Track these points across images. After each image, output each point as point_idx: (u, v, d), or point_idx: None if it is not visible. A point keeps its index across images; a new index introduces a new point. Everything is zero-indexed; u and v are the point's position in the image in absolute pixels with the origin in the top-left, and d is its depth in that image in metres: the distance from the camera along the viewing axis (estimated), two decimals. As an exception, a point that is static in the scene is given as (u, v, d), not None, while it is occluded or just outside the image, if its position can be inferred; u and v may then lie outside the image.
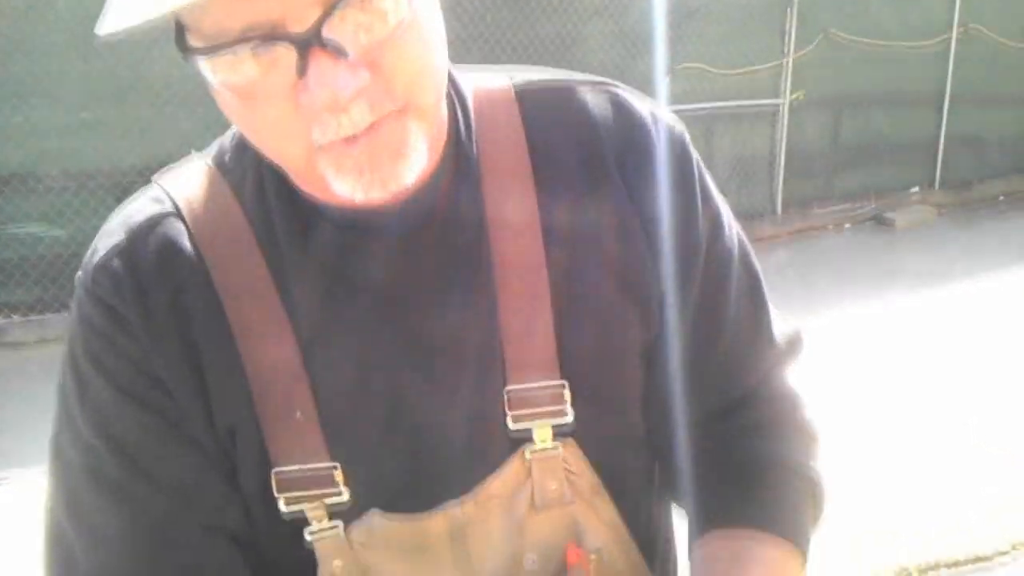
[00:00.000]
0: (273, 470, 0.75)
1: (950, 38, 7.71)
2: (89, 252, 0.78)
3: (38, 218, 5.25)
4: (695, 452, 0.87)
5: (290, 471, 0.75)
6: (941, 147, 7.91)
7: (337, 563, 0.78)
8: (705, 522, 0.84)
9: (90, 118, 5.13)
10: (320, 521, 0.77)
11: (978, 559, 3.05)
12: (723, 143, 6.71)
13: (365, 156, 0.64)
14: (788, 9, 6.86)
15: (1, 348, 4.98)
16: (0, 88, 4.95)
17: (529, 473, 0.79)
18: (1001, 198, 8.05)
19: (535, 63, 0.81)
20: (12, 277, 5.16)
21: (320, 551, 0.78)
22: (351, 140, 0.63)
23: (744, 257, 0.87)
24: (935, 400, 4.13)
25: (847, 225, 7.35)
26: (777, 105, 7.04)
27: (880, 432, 3.74)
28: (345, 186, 0.66)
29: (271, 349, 0.74)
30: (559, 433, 0.79)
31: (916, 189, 7.87)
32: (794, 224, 7.06)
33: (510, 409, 0.77)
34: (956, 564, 3.03)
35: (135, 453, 0.75)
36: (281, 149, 0.67)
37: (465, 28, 5.72)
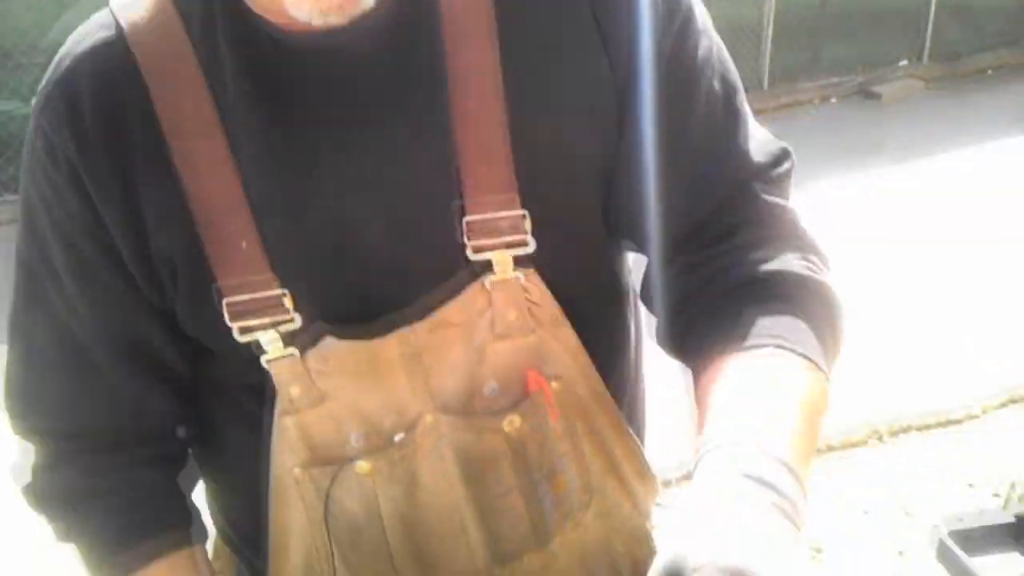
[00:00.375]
0: (224, 300, 0.76)
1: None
2: (47, 76, 0.78)
3: (9, 95, 5.14)
4: (679, 277, 0.81)
5: (240, 300, 0.76)
6: (931, 18, 7.77)
7: (295, 390, 0.79)
8: (703, 354, 0.74)
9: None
10: (275, 348, 0.77)
11: (949, 422, 3.14)
12: (710, 13, 6.56)
13: None
14: None
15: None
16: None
17: (489, 302, 0.79)
18: (990, 72, 7.95)
19: None
20: (-9, 156, 5.09)
21: (277, 379, 0.79)
22: None
23: (719, 66, 0.82)
24: (918, 270, 4.18)
25: (833, 99, 7.28)
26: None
27: (860, 301, 3.79)
28: (301, 12, 0.67)
29: (214, 180, 0.74)
30: (520, 262, 0.78)
31: (904, 62, 7.76)
32: (780, 98, 6.98)
33: (469, 238, 0.76)
34: (927, 427, 3.12)
35: (74, 293, 0.79)
36: None
37: None
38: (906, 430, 3.10)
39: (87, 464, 0.86)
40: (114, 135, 0.74)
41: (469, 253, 0.77)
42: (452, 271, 0.78)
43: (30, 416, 0.85)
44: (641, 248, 0.84)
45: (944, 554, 1.73)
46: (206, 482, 0.97)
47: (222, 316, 0.76)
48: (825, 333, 0.75)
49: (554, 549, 0.90)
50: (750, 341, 0.71)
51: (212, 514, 0.99)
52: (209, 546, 0.96)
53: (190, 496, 0.94)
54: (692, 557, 0.54)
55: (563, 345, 0.84)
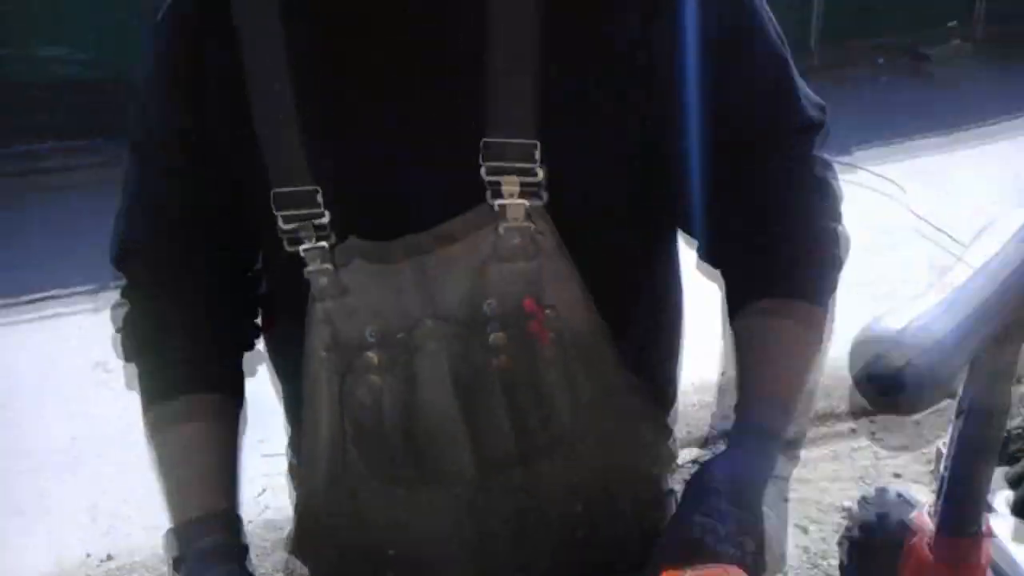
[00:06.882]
0: (272, 190, 0.89)
1: None
2: None
3: (62, 42, 5.22)
4: (722, 220, 0.93)
5: (284, 191, 0.89)
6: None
7: (323, 280, 0.91)
8: (742, 293, 0.94)
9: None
10: (310, 240, 0.89)
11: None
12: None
13: None
14: None
15: (32, 175, 5.06)
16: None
17: (495, 223, 0.87)
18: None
19: None
20: (39, 102, 5.19)
21: (310, 268, 0.90)
22: None
23: (773, 36, 0.93)
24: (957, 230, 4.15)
25: (881, 60, 7.18)
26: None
27: (893, 260, 3.80)
28: None
29: (272, 87, 0.88)
30: (529, 190, 0.86)
31: (954, 23, 7.62)
32: (830, 67, 6.90)
33: (483, 160, 0.84)
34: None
35: (174, 157, 0.95)
36: None
37: None
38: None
39: (167, 302, 1.00)
40: (206, 46, 0.90)
41: (482, 173, 0.85)
42: (465, 189, 0.86)
43: (128, 246, 1.00)
44: (678, 181, 0.93)
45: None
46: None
47: (272, 213, 0.89)
48: (830, 279, 0.94)
49: (542, 471, 0.97)
50: (773, 288, 0.91)
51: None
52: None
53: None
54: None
55: (563, 280, 0.90)
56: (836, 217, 0.95)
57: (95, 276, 3.66)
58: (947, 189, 4.67)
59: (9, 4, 5.08)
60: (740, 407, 0.90)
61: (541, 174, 0.84)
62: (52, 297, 3.92)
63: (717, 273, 0.96)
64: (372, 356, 0.92)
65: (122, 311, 1.02)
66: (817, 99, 0.95)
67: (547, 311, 0.90)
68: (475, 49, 0.83)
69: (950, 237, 4.07)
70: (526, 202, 0.85)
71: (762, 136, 0.92)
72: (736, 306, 0.93)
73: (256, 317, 1.07)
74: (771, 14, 0.93)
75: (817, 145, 0.94)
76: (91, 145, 5.11)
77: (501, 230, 0.86)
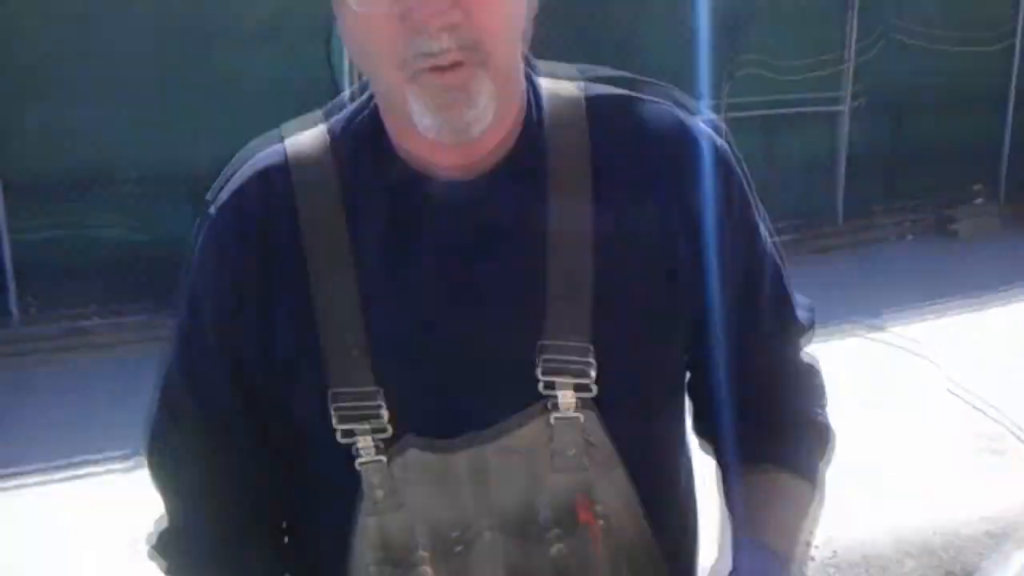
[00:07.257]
0: (333, 405, 0.88)
1: (1015, 38, 7.59)
2: (220, 183, 0.94)
3: (118, 221, 5.42)
4: (734, 405, 1.00)
5: (346, 406, 0.88)
6: (1006, 152, 7.77)
7: (379, 493, 0.90)
8: (741, 459, 1.01)
9: (164, 120, 5.28)
10: (368, 454, 0.89)
11: None
12: (783, 148, 6.68)
13: (441, 94, 0.79)
14: (848, 11, 6.83)
15: (83, 348, 5.15)
16: (73, 88, 5.10)
17: (551, 436, 0.89)
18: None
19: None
20: (93, 278, 5.34)
21: (366, 481, 0.90)
22: (434, 70, 0.78)
23: (775, 252, 1.01)
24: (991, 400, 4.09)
25: (909, 236, 7.26)
26: (838, 109, 7.00)
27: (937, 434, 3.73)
28: (426, 120, 0.81)
29: (339, 300, 0.88)
30: (583, 403, 0.89)
31: (980, 200, 7.72)
32: (856, 232, 6.99)
33: (543, 374, 0.88)
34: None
35: (215, 369, 0.92)
36: (382, 71, 0.82)
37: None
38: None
39: (203, 547, 0.98)
40: (267, 248, 0.89)
41: (540, 387, 0.88)
42: (524, 401, 0.89)
43: (163, 463, 0.98)
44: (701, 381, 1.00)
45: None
46: None
47: (329, 416, 0.88)
48: (821, 465, 1.03)
49: None
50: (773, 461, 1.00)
51: None
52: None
53: None
54: None
55: (615, 487, 0.92)
56: (826, 419, 1.05)
57: (131, 446, 3.69)
58: (980, 357, 4.65)
59: (68, 187, 5.29)
60: (751, 535, 0.94)
61: (596, 390, 0.88)
62: (89, 475, 3.92)
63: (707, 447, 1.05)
64: (428, 570, 0.92)
65: (164, 551, 1.00)
66: (808, 302, 1.05)
67: (600, 520, 0.92)
68: (534, 269, 0.88)
69: (993, 419, 4.03)
70: (581, 416, 0.89)
71: (770, 332, 1.00)
72: (736, 469, 1.00)
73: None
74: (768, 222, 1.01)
75: (805, 345, 1.05)
76: (135, 321, 5.24)
77: (557, 442, 0.89)
